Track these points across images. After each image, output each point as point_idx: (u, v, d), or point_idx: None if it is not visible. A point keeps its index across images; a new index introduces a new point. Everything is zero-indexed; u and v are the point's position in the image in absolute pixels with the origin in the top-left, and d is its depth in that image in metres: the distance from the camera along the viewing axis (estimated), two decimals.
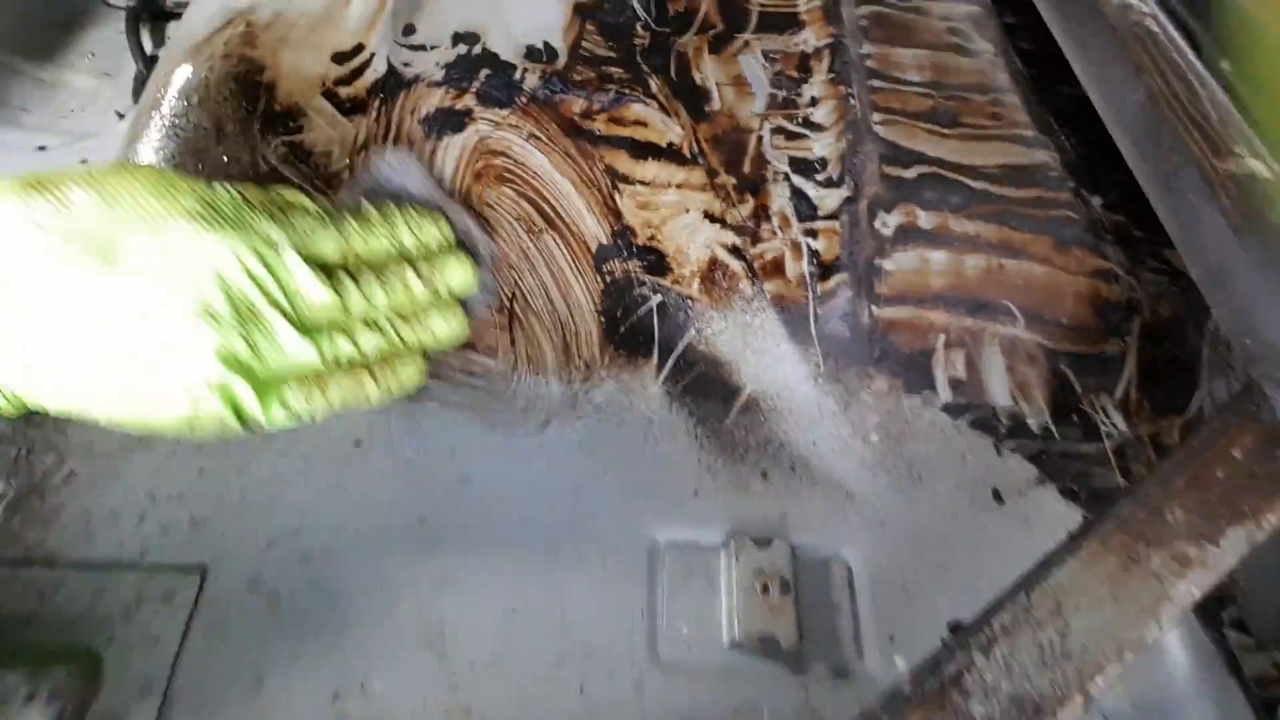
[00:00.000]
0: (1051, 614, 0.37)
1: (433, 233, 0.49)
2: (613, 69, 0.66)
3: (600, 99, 0.64)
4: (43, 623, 0.47)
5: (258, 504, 0.52)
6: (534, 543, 0.51)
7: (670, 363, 0.57)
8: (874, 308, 0.58)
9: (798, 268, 0.58)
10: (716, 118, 0.64)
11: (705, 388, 0.57)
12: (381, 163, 0.54)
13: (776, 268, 0.59)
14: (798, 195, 0.60)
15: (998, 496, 0.54)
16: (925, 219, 0.60)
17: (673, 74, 0.66)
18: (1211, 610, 0.50)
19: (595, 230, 0.59)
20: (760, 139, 0.63)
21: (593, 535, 0.52)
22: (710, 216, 0.60)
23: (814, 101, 0.65)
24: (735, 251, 0.59)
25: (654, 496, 0.53)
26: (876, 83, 0.67)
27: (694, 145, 0.63)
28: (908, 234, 0.59)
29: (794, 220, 0.60)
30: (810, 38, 0.70)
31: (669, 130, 0.63)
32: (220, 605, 0.49)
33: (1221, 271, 0.49)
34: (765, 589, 0.49)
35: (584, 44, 0.68)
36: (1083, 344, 0.58)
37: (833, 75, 0.66)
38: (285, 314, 0.41)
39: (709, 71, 0.67)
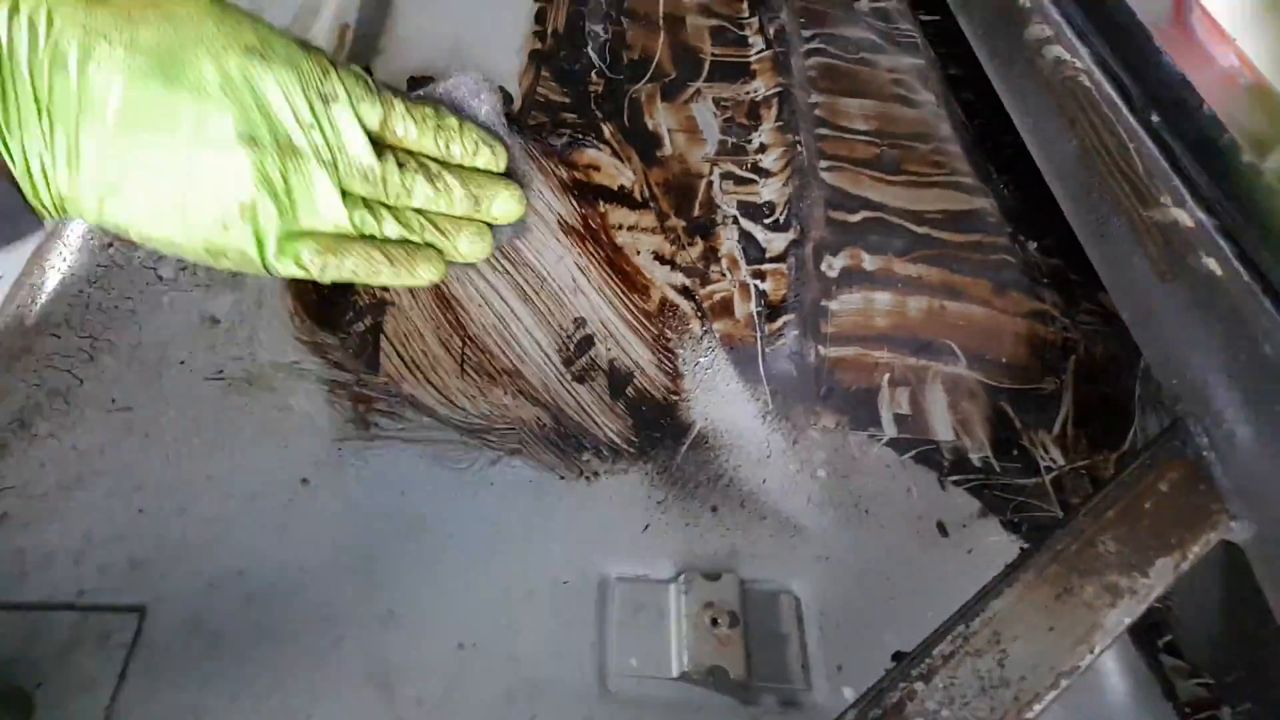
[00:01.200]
0: (990, 643, 0.38)
1: (488, 155, 0.48)
2: (567, 114, 0.68)
3: (554, 143, 0.65)
4: None
5: (199, 544, 0.51)
6: (484, 579, 0.51)
7: (620, 400, 0.57)
8: (820, 347, 0.59)
9: (746, 308, 0.60)
10: (668, 162, 0.65)
11: (654, 425, 0.57)
12: (458, 80, 0.51)
13: (725, 308, 0.60)
14: (746, 238, 0.62)
15: (942, 529, 0.55)
16: (870, 262, 0.62)
17: (625, 120, 0.68)
18: (1147, 637, 0.51)
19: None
20: (710, 183, 0.65)
21: (543, 571, 0.52)
22: (660, 258, 0.61)
23: (763, 148, 0.67)
24: (685, 292, 0.60)
25: (604, 532, 0.54)
26: (824, 130, 0.70)
27: (645, 189, 0.64)
28: (852, 276, 0.61)
29: (742, 262, 0.61)
30: (760, 86, 0.72)
31: (621, 174, 0.64)
32: (159, 646, 0.47)
33: (1149, 314, 0.51)
34: (715, 622, 0.49)
35: (539, 89, 0.69)
36: (1021, 382, 0.60)
37: (781, 123, 0.68)
38: (325, 165, 0.42)
39: (661, 118, 0.68)
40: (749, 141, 0.68)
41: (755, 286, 0.60)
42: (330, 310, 0.59)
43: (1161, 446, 0.46)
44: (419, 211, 0.47)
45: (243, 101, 0.40)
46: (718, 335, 0.59)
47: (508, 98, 0.52)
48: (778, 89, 0.71)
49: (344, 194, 0.43)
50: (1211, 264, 0.52)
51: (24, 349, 0.56)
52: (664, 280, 0.60)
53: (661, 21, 0.76)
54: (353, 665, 0.47)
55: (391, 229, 0.45)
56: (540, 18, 0.74)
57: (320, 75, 0.42)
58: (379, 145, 0.44)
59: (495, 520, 0.53)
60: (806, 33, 0.78)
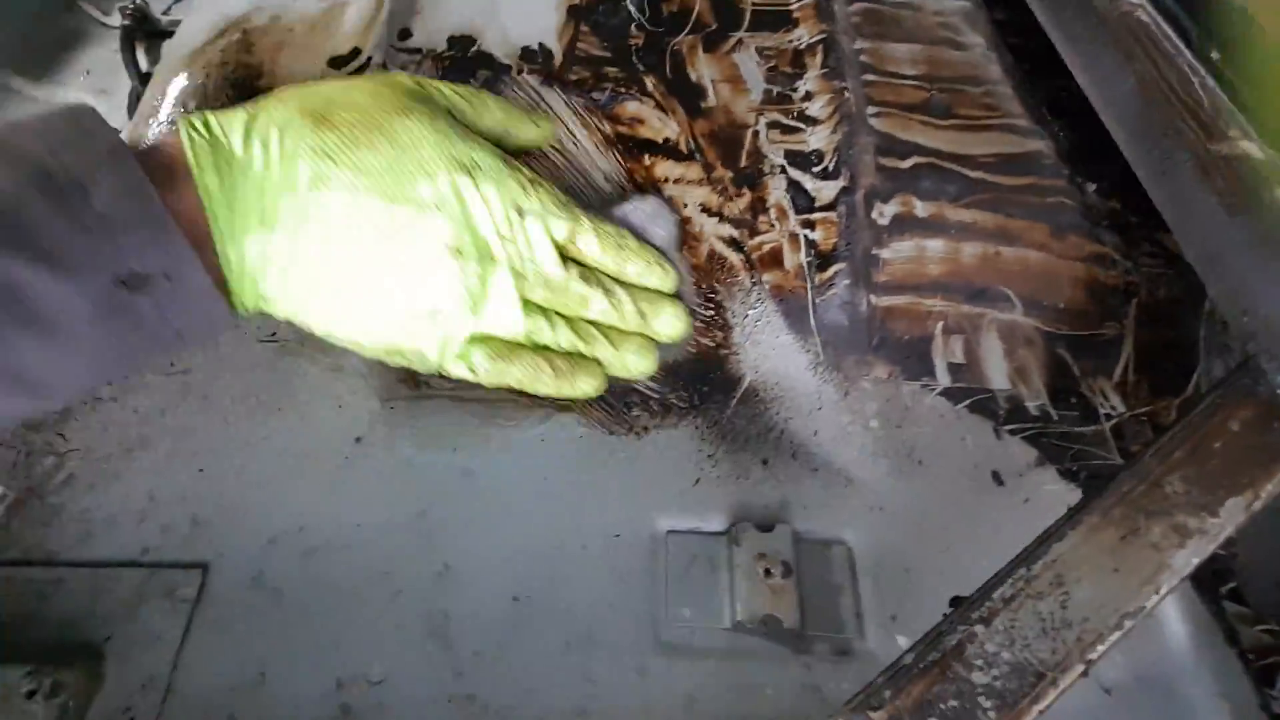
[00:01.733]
0: (1052, 585, 0.37)
1: (660, 275, 0.50)
2: (608, 68, 0.66)
3: (596, 97, 0.64)
4: (43, 621, 0.48)
5: (258, 503, 0.52)
6: (537, 533, 0.51)
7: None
8: (872, 296, 0.58)
9: (795, 259, 0.59)
10: (712, 114, 0.64)
11: (704, 379, 0.57)
12: (637, 202, 0.54)
13: (774, 259, 0.59)
14: (794, 188, 0.61)
15: (997, 479, 0.54)
16: (921, 208, 0.60)
17: (668, 72, 0.66)
18: (1210, 583, 0.50)
19: None
20: (756, 134, 0.63)
21: (595, 525, 0.52)
22: (708, 210, 0.60)
23: (808, 96, 0.66)
24: (733, 244, 0.59)
25: (656, 486, 0.53)
26: (870, 76, 0.68)
27: (690, 141, 0.63)
28: (904, 223, 0.60)
29: (791, 212, 0.60)
30: (803, 34, 0.70)
31: (665, 127, 0.63)
32: (222, 601, 0.49)
33: (1217, 252, 0.50)
34: (768, 572, 0.49)
35: (579, 45, 0.68)
36: (1080, 328, 0.58)
37: (826, 70, 0.67)
38: (515, 274, 0.44)
39: (704, 69, 0.67)
40: (794, 90, 0.66)
41: (805, 236, 0.59)
42: None
43: (1232, 385, 0.44)
44: (590, 323, 0.48)
45: (453, 216, 0.42)
46: (767, 287, 0.58)
47: (679, 222, 0.56)
48: (821, 35, 0.69)
49: (524, 302, 0.45)
50: None
51: None
52: (712, 232, 0.59)
53: None
54: (411, 618, 0.48)
55: (564, 338, 0.47)
56: None
57: (520, 190, 0.44)
58: (562, 257, 0.46)
59: (546, 476, 0.53)
60: None
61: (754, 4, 0.73)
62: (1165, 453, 0.41)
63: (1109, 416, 0.56)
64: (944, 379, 0.57)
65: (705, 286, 0.58)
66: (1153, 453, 0.41)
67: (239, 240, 0.40)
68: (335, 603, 0.49)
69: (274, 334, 0.57)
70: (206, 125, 0.40)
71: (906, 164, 0.62)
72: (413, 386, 0.56)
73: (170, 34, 0.94)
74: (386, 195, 0.41)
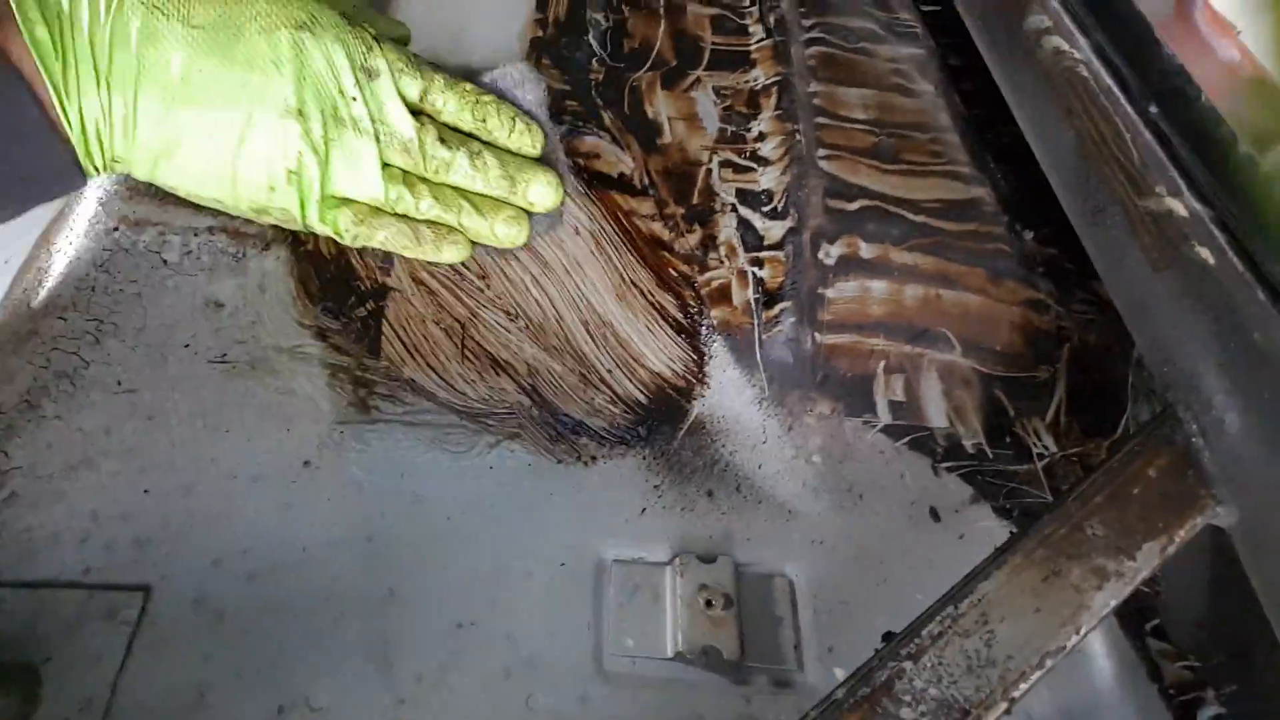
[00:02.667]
0: (978, 624, 0.39)
1: (527, 135, 0.49)
2: (567, 102, 0.68)
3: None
4: None
5: (204, 524, 0.52)
6: (482, 560, 0.52)
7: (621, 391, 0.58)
8: (817, 334, 0.60)
9: (744, 295, 0.60)
10: (667, 150, 0.66)
11: (652, 411, 0.58)
12: (504, 69, 0.51)
13: (723, 295, 0.61)
14: (744, 226, 0.63)
15: (934, 515, 0.56)
16: (866, 250, 0.62)
17: (625, 108, 0.68)
18: (1134, 620, 0.52)
19: None
20: (709, 171, 0.65)
21: (540, 552, 0.53)
22: (660, 245, 0.62)
23: (762, 136, 0.68)
24: (683, 279, 0.61)
25: (602, 515, 0.54)
26: (822, 119, 0.70)
27: (644, 176, 0.64)
28: (849, 264, 0.62)
29: (740, 250, 0.62)
30: (760, 75, 0.73)
31: (621, 162, 0.65)
32: (164, 623, 0.48)
33: (1142, 304, 0.52)
34: (709, 603, 0.50)
35: None
36: (1015, 369, 0.61)
37: (780, 112, 0.69)
38: (366, 135, 0.44)
39: (661, 106, 0.69)
40: (748, 130, 0.68)
41: (753, 274, 0.61)
42: (333, 294, 0.60)
43: (1151, 433, 0.47)
44: (456, 190, 0.48)
45: (292, 75, 0.42)
46: (715, 322, 0.60)
47: (551, 91, 0.53)
48: (777, 78, 0.71)
49: (385, 167, 0.45)
50: (1205, 253, 0.52)
51: (31, 332, 0.57)
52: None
53: (662, 9, 0.77)
54: (353, 642, 0.48)
55: (427, 206, 0.47)
56: (542, 5, 0.74)
57: (365, 49, 0.44)
58: (419, 117, 0.46)
59: (494, 503, 0.54)
60: (806, 21, 0.79)
61: (713, 43, 0.75)
62: (1086, 497, 0.42)
63: (1041, 456, 0.58)
64: (885, 416, 0.59)
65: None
66: (1075, 496, 0.43)
67: (76, 99, 0.40)
68: (278, 627, 0.49)
69: (224, 355, 0.57)
70: None
71: (853, 206, 0.64)
72: (363, 411, 0.56)
73: None
74: (221, 53, 0.41)
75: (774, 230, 0.62)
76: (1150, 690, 0.50)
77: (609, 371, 0.59)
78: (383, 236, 0.46)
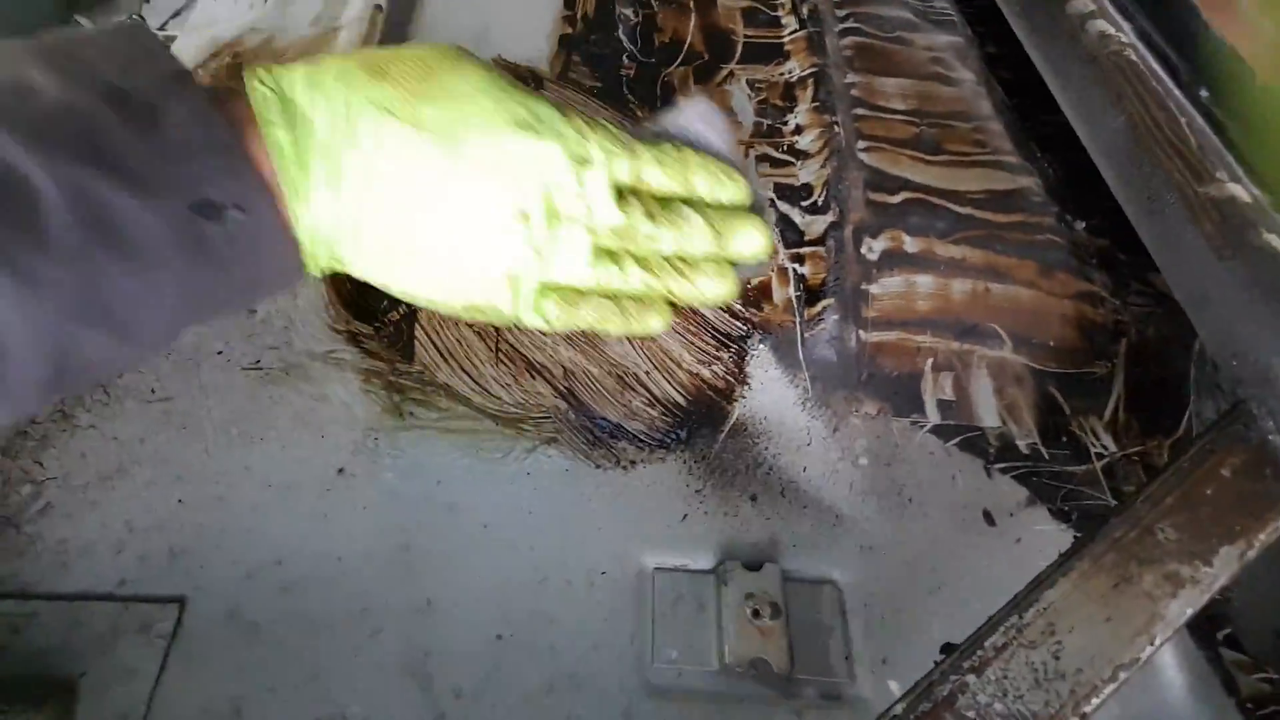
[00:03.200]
0: (1044, 634, 0.37)
1: (731, 190, 0.48)
2: (599, 99, 0.67)
3: None
4: (15, 656, 0.46)
5: (238, 534, 0.51)
6: (521, 569, 0.51)
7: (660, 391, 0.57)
8: (861, 332, 0.58)
9: (784, 293, 0.58)
10: None
11: (692, 412, 0.56)
12: (686, 108, 0.51)
13: (764, 293, 0.59)
14: (784, 221, 0.61)
15: (988, 518, 0.54)
16: (911, 244, 0.60)
17: (659, 104, 0.66)
18: (1206, 629, 0.50)
19: None
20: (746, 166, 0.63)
21: (580, 561, 0.51)
22: None
23: (799, 129, 0.66)
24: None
25: (642, 522, 0.53)
26: (860, 111, 0.68)
27: None
28: (893, 259, 0.60)
29: (780, 246, 0.60)
30: (795, 67, 0.71)
31: None
32: (198, 636, 0.48)
33: (1205, 294, 0.50)
34: (756, 613, 0.48)
35: (570, 74, 0.68)
36: (1070, 366, 0.58)
37: (817, 104, 0.67)
38: (581, 227, 0.42)
39: None
40: (784, 123, 0.66)
41: (794, 270, 0.59)
42: (365, 300, 0.59)
43: (1223, 431, 0.44)
44: (663, 259, 0.47)
45: (515, 177, 0.41)
46: (755, 321, 0.58)
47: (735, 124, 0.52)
48: (813, 69, 0.70)
49: (594, 250, 0.44)
50: (1273, 239, 0.50)
51: None
52: None
53: (692, 4, 0.75)
54: (390, 656, 0.47)
55: (635, 279, 0.45)
56: (570, 2, 0.73)
57: (580, 139, 0.43)
58: (626, 197, 0.44)
59: (532, 509, 0.53)
60: (840, 12, 0.77)
61: (746, 36, 0.74)
62: (1156, 498, 0.40)
63: (1100, 456, 0.56)
64: (934, 416, 0.57)
65: (697, 320, 0.58)
66: (1144, 498, 0.40)
67: (308, 198, 0.39)
68: (313, 639, 0.48)
69: (258, 362, 0.56)
70: (273, 78, 0.39)
71: (896, 199, 0.62)
72: (397, 417, 0.55)
73: None
74: (448, 158, 0.41)
75: (815, 225, 0.60)
76: (1226, 704, 0.47)
77: (646, 373, 0.57)
78: (588, 315, 0.45)
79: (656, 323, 0.47)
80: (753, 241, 0.48)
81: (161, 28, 1.05)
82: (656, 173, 0.46)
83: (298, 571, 0.50)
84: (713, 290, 0.47)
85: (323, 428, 0.54)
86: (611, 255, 0.45)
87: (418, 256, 0.42)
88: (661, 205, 0.46)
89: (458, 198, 0.41)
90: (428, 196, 0.41)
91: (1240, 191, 0.52)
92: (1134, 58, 0.62)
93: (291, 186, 0.39)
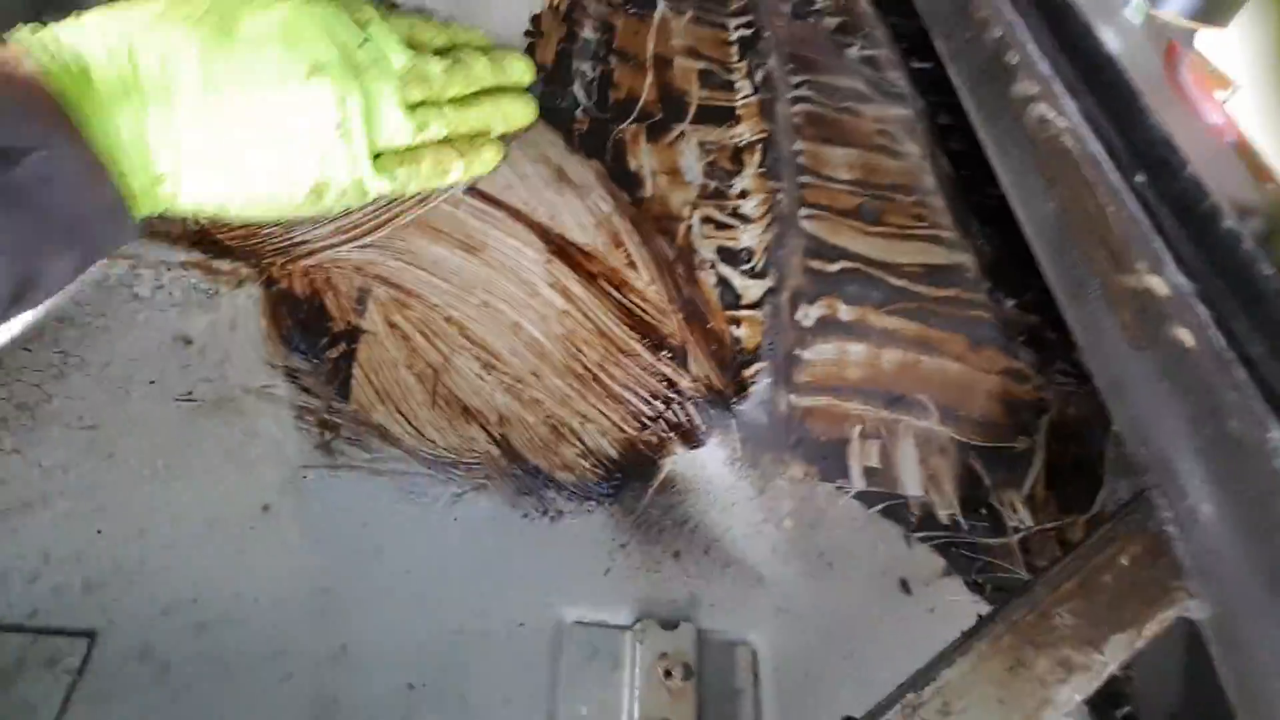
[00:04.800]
0: (939, 713, 0.37)
1: (487, 39, 0.56)
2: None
3: None
4: None
5: (156, 569, 0.50)
6: (440, 617, 0.51)
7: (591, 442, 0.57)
8: (793, 396, 0.59)
9: (719, 354, 0.60)
10: (648, 204, 0.66)
11: (623, 466, 0.57)
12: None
13: (699, 353, 0.60)
14: (723, 284, 0.62)
15: (905, 587, 0.55)
16: (846, 312, 0.62)
17: (608, 159, 0.68)
18: (1105, 707, 0.51)
19: None
20: (689, 227, 0.65)
21: (500, 612, 0.51)
22: (638, 299, 0.61)
23: (744, 194, 0.67)
24: (661, 335, 0.60)
25: (564, 575, 0.53)
26: (806, 179, 0.70)
27: (625, 230, 0.64)
28: (828, 326, 0.61)
29: (719, 307, 0.61)
30: (745, 131, 0.73)
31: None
32: (107, 673, 0.47)
33: (1120, 382, 0.51)
34: (668, 673, 0.49)
35: None
36: (993, 439, 0.60)
37: (763, 170, 0.69)
38: (384, 76, 0.46)
39: (644, 159, 0.69)
40: (730, 186, 0.68)
41: (730, 333, 0.60)
42: (305, 334, 0.59)
43: (1124, 519, 0.46)
44: (464, 99, 0.52)
45: (301, 35, 0.43)
46: (691, 379, 0.59)
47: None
48: (762, 135, 0.71)
49: (404, 105, 0.48)
50: (1184, 335, 0.52)
51: None
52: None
53: (650, 62, 0.77)
54: (298, 702, 0.47)
55: (452, 117, 0.50)
56: (529, 53, 0.74)
57: (351, 2, 0.47)
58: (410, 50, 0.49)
59: (455, 557, 0.53)
60: (794, 79, 0.79)
61: (700, 97, 0.75)
62: (1056, 582, 0.42)
63: (1017, 530, 0.57)
64: (859, 482, 0.58)
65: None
66: (1044, 581, 0.42)
67: (109, 129, 0.40)
68: (223, 681, 0.47)
69: (190, 393, 0.56)
70: (54, 30, 0.40)
71: (834, 267, 0.64)
72: (328, 455, 0.55)
73: None
74: (229, 35, 0.42)
75: (753, 289, 0.62)
76: None
77: (581, 424, 0.58)
78: (428, 168, 0.49)
79: (491, 154, 0.54)
80: (518, 66, 0.56)
81: None
82: (428, 28, 0.52)
83: (214, 611, 0.49)
84: (519, 111, 0.56)
85: (251, 463, 0.54)
86: (424, 108, 0.49)
87: (242, 150, 0.44)
88: (444, 55, 0.51)
89: (254, 72, 0.43)
90: (227, 83, 0.42)
91: (1158, 283, 0.54)
92: (1070, 143, 0.64)
93: (83, 117, 0.40)
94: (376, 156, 0.48)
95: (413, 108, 0.48)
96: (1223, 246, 0.55)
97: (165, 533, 0.51)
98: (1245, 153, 0.66)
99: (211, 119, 0.42)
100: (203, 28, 0.42)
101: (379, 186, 0.48)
